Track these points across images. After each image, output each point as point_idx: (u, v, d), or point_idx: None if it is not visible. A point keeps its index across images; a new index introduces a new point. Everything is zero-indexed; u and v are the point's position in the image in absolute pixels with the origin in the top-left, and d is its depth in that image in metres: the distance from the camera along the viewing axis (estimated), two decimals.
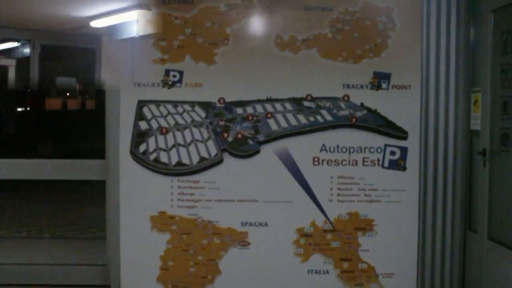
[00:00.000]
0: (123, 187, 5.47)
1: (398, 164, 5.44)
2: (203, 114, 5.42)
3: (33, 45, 13.76)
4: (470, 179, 5.57)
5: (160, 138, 5.43)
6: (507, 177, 5.02)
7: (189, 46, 5.41)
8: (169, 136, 5.43)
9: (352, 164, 5.44)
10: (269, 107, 5.40)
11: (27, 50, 14.13)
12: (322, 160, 5.44)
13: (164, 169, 5.44)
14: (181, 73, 5.41)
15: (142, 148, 5.44)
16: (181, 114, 5.42)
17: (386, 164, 5.45)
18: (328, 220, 5.48)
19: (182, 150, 5.43)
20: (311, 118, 5.41)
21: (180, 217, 5.47)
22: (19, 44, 14.52)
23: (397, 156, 5.43)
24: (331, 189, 5.46)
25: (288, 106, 5.41)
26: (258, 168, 5.43)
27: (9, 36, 13.61)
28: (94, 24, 6.94)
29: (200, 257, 5.50)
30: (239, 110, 5.41)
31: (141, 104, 5.43)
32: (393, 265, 5.52)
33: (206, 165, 5.43)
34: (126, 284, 5.53)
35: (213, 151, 5.42)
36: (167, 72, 5.42)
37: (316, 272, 5.51)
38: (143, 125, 5.43)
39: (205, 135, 5.42)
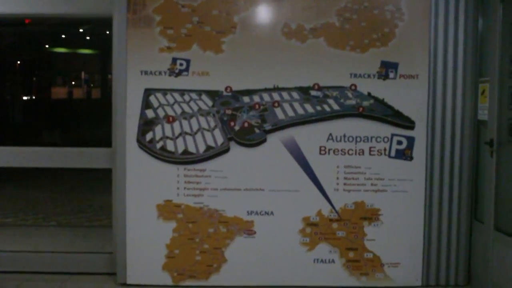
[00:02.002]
0: (129, 175, 5.49)
1: (404, 154, 5.44)
2: (210, 103, 5.42)
3: None
4: (476, 169, 5.56)
5: (167, 126, 5.44)
6: None
7: (196, 35, 5.40)
8: (176, 125, 5.44)
9: (359, 154, 5.44)
10: (276, 96, 5.40)
11: None
12: (329, 150, 5.44)
13: (171, 157, 5.45)
14: (188, 61, 5.41)
15: (148, 136, 5.44)
16: (187, 103, 5.43)
17: (392, 154, 5.45)
18: (334, 209, 5.48)
19: (189, 138, 5.43)
20: (318, 107, 5.40)
21: (186, 206, 5.48)
22: None
23: (404, 146, 5.43)
24: (338, 178, 5.46)
25: (295, 95, 5.41)
26: (264, 157, 5.44)
27: None
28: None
29: (206, 245, 5.52)
30: (246, 99, 5.41)
31: (148, 92, 5.43)
32: (399, 255, 5.53)
33: (213, 153, 5.44)
34: (132, 272, 5.56)
35: (220, 139, 5.42)
36: (174, 61, 5.42)
37: (322, 261, 5.52)
38: (149, 113, 5.44)
39: (212, 124, 5.42)
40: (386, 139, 5.43)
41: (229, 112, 5.42)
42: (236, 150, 5.44)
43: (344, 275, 5.54)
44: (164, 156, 5.45)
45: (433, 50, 5.42)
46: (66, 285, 5.62)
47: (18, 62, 24.95)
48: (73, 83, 32.78)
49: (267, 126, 5.41)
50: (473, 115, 5.48)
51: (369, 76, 5.41)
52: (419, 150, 5.44)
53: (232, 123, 5.41)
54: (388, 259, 5.54)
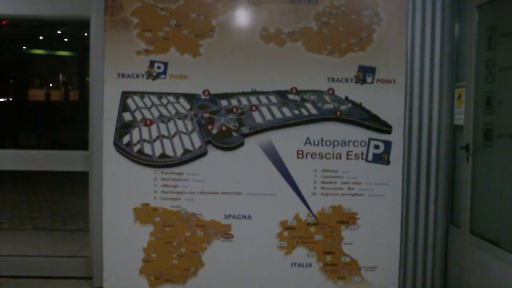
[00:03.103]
0: (106, 178, 5.45)
1: (382, 158, 5.46)
2: (187, 106, 5.41)
3: None
4: (453, 173, 5.60)
5: (144, 129, 5.42)
6: (490, 172, 5.06)
7: (174, 38, 5.39)
8: (153, 128, 5.42)
9: (336, 158, 5.45)
10: (253, 100, 5.40)
11: None
12: (306, 153, 5.45)
13: (148, 161, 5.42)
14: (165, 64, 5.39)
15: (125, 139, 5.41)
16: (165, 106, 5.41)
17: (370, 158, 5.47)
18: (312, 213, 5.49)
19: (166, 142, 5.41)
20: (296, 111, 5.41)
21: (163, 209, 5.46)
22: None
23: (381, 150, 5.45)
24: (315, 182, 5.47)
25: (273, 98, 5.41)
26: (242, 160, 5.43)
27: None
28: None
29: (183, 249, 5.50)
30: (224, 102, 5.40)
31: (125, 95, 5.40)
32: (376, 259, 5.55)
33: (190, 157, 5.42)
34: (108, 276, 5.52)
35: (197, 143, 5.41)
36: (151, 64, 5.40)
37: (299, 265, 5.52)
38: (127, 116, 5.41)
39: (189, 127, 5.41)
40: (363, 143, 5.46)
41: (206, 115, 5.40)
42: (213, 154, 5.43)
43: (321, 279, 5.55)
44: (142, 159, 5.42)
45: (410, 55, 5.45)
46: None
47: None
48: (50, 85, 32.55)
49: (245, 130, 5.41)
50: (450, 119, 5.52)
51: (346, 80, 5.42)
52: (396, 155, 5.47)
53: (209, 127, 5.40)
54: (365, 263, 5.56)
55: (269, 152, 5.43)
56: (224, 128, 5.41)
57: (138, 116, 5.41)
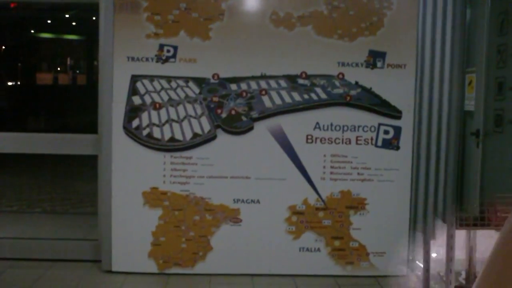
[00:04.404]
0: (115, 162, 5.45)
1: (391, 143, 5.44)
2: (197, 90, 5.39)
3: None
4: (462, 159, 5.58)
5: (153, 113, 5.41)
6: (500, 157, 5.03)
7: (184, 21, 5.36)
8: (163, 112, 5.41)
9: (346, 143, 5.44)
10: (263, 84, 5.38)
11: None
12: (316, 138, 5.43)
13: (157, 144, 5.42)
14: (175, 48, 5.37)
15: (135, 123, 5.41)
16: (174, 90, 5.39)
17: (379, 143, 5.45)
18: (321, 198, 5.49)
19: (175, 125, 5.40)
20: (305, 96, 5.39)
21: (172, 193, 5.47)
22: None
23: (390, 135, 5.44)
24: (324, 167, 5.46)
25: (283, 83, 5.39)
26: (251, 145, 5.42)
27: None
28: None
29: (192, 233, 5.51)
30: (233, 86, 5.39)
31: (135, 78, 5.39)
32: (384, 244, 5.55)
33: (199, 141, 5.42)
34: (117, 260, 5.53)
35: (207, 127, 5.40)
36: (161, 47, 5.38)
37: (307, 249, 5.53)
38: (136, 100, 5.40)
39: (199, 111, 5.40)
40: (373, 129, 5.44)
41: (216, 99, 5.39)
42: (222, 138, 5.42)
43: (329, 263, 5.55)
44: (151, 143, 5.42)
45: (421, 40, 5.42)
46: (50, 272, 5.59)
47: (3, 47, 24.73)
48: (58, 69, 32.55)
49: (254, 114, 5.40)
50: (460, 105, 5.49)
51: (356, 65, 5.40)
52: (406, 140, 5.45)
53: (219, 111, 5.39)
54: (374, 248, 5.56)
55: (278, 136, 5.41)
56: (233, 112, 5.39)
57: (148, 99, 5.40)
